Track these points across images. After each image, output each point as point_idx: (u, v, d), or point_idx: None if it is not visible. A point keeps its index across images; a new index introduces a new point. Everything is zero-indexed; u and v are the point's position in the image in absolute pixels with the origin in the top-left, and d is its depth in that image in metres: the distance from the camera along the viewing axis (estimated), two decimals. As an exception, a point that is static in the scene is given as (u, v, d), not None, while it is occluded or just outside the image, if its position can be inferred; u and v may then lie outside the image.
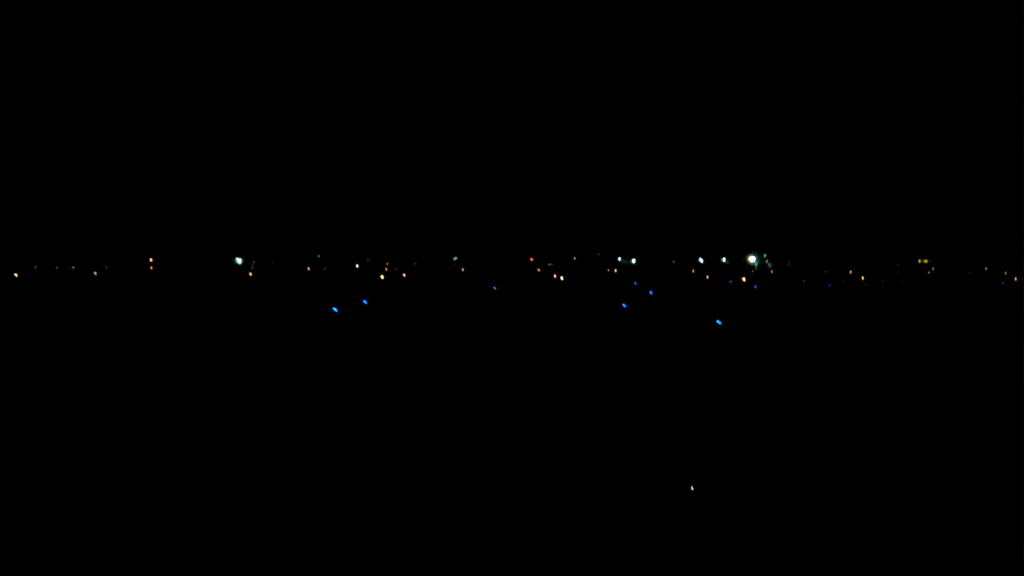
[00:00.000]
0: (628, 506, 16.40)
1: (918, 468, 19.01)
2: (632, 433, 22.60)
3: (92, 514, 15.90)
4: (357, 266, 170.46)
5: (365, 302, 57.54)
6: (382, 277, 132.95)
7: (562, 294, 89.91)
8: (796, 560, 13.82)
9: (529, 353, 39.48)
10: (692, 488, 17.42)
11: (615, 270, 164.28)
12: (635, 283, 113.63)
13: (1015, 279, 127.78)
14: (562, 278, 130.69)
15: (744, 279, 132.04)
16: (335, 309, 60.29)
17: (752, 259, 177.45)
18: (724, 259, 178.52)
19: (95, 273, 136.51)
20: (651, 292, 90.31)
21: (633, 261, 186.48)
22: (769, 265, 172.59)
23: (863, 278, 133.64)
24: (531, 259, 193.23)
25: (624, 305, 71.80)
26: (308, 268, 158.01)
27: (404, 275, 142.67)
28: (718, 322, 34.45)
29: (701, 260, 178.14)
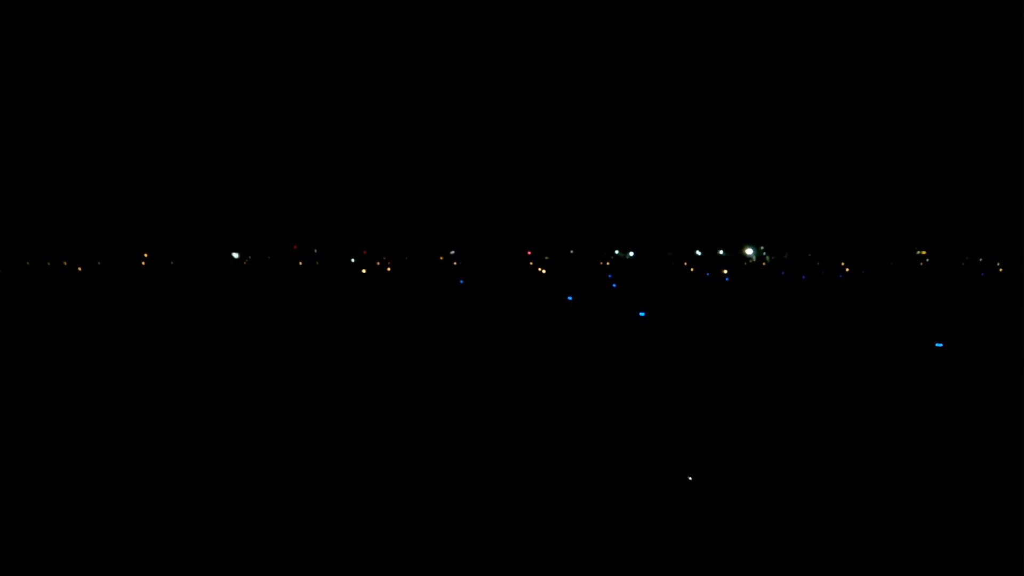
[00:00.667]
0: (623, 498, 16.20)
1: (916, 462, 18.81)
2: (627, 425, 22.38)
3: (89, 510, 15.74)
4: (352, 260, 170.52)
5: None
6: (364, 271, 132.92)
7: (554, 287, 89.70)
8: (792, 554, 13.59)
9: (518, 347, 39.26)
10: (689, 479, 17.25)
11: (607, 263, 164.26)
12: (609, 276, 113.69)
13: (1011, 271, 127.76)
14: (543, 270, 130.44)
15: (723, 271, 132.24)
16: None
17: (749, 251, 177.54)
18: (721, 251, 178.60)
19: (79, 269, 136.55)
20: (614, 285, 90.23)
21: (631, 254, 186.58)
22: (766, 258, 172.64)
23: (863, 271, 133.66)
24: (528, 252, 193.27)
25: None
26: (300, 262, 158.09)
27: (388, 268, 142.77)
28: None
29: (698, 252, 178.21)
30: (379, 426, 22.46)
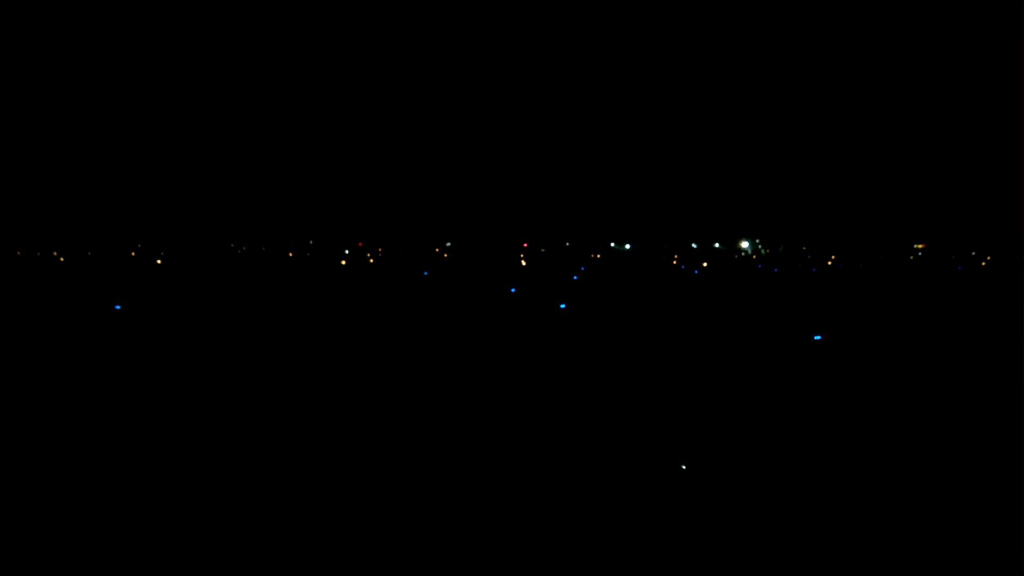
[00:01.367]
0: (621, 488, 15.84)
1: (914, 457, 18.44)
2: (621, 417, 22.03)
3: (84, 503, 15.40)
4: (347, 251, 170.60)
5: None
6: (344, 262, 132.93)
7: (552, 280, 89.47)
8: (785, 549, 13.19)
9: (515, 339, 38.98)
10: (684, 467, 16.92)
11: (598, 255, 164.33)
12: (582, 268, 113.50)
13: (1007, 264, 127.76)
14: (524, 262, 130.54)
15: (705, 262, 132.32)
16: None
17: (745, 244, 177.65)
18: (717, 244, 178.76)
19: (61, 259, 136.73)
20: (575, 277, 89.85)
21: (627, 247, 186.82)
22: (763, 250, 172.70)
23: (857, 264, 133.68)
24: (524, 244, 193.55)
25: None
26: (290, 254, 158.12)
27: (371, 259, 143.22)
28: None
29: (694, 245, 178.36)
30: (369, 417, 22.10)
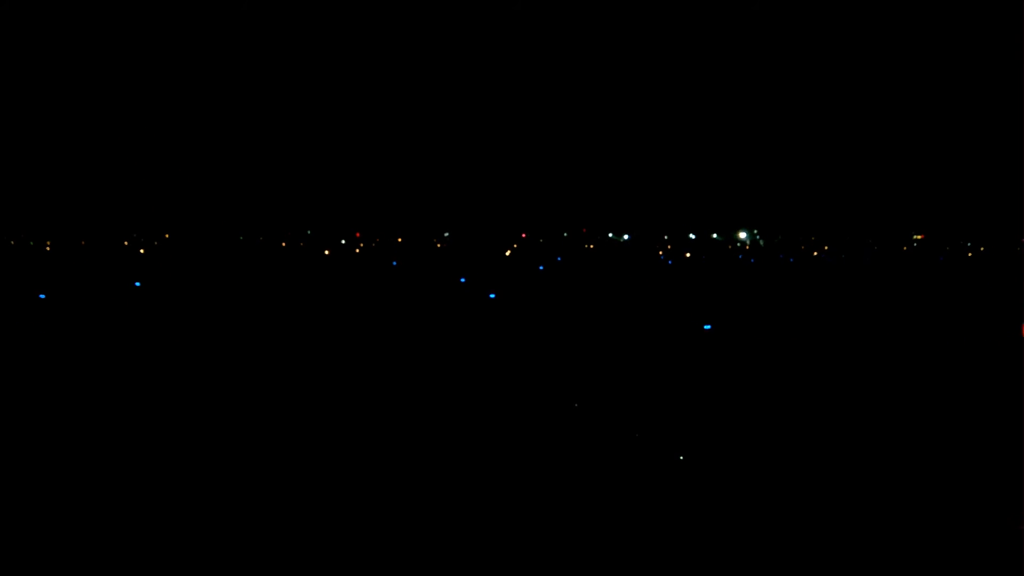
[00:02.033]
0: (619, 479, 15.70)
1: (912, 452, 18.31)
2: (617, 405, 21.88)
3: (80, 496, 15.33)
4: (343, 242, 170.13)
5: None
6: (326, 251, 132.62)
7: (550, 270, 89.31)
8: (780, 544, 13.05)
9: (511, 330, 38.88)
10: (680, 458, 16.77)
11: (591, 246, 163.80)
12: (559, 258, 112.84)
13: (1008, 256, 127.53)
14: (508, 253, 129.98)
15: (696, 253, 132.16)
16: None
17: (743, 235, 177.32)
18: (715, 235, 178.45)
19: (47, 247, 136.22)
20: (540, 268, 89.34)
21: (626, 237, 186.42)
22: (760, 241, 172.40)
23: (859, 256, 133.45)
24: (523, 235, 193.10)
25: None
26: (283, 244, 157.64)
27: (359, 249, 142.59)
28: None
29: (692, 236, 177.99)
30: (362, 406, 21.95)
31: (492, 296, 53.18)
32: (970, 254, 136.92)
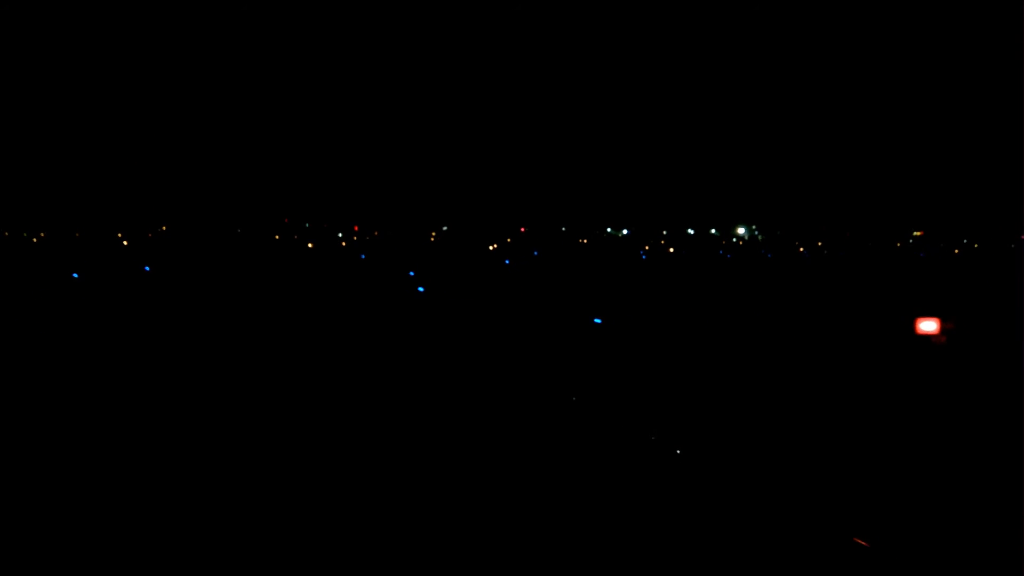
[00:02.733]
0: (616, 472, 15.41)
1: (911, 448, 18.06)
2: (617, 403, 21.63)
3: (73, 486, 15.09)
4: (340, 235, 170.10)
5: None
6: (311, 245, 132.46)
7: (550, 264, 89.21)
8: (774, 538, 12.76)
9: (508, 323, 38.67)
10: (678, 452, 16.49)
11: (586, 240, 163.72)
12: (536, 253, 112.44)
13: (1007, 251, 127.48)
14: (494, 247, 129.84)
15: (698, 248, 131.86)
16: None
17: (741, 230, 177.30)
18: (713, 230, 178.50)
19: (35, 239, 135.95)
20: (510, 263, 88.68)
21: (625, 232, 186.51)
22: (759, 236, 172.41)
23: (860, 251, 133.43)
24: (522, 229, 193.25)
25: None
26: (276, 236, 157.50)
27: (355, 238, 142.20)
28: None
29: (691, 231, 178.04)
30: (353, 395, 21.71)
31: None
32: (956, 250, 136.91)
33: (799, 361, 26.78)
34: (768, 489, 14.44)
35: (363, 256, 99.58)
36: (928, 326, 27.84)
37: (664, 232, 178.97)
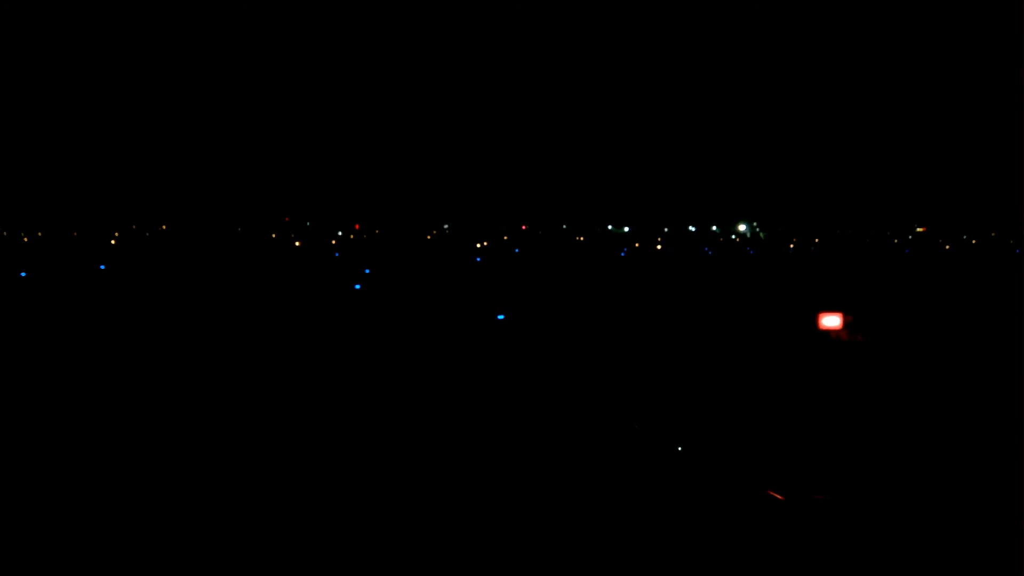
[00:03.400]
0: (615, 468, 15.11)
1: (911, 445, 17.78)
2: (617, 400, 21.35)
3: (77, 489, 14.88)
4: (340, 233, 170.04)
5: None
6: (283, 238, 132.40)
7: (550, 261, 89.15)
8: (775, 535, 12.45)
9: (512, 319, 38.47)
10: (679, 449, 16.21)
11: (582, 238, 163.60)
12: (518, 249, 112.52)
13: (1010, 246, 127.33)
14: (485, 243, 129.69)
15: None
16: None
17: (742, 227, 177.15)
18: (714, 227, 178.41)
19: (30, 236, 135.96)
20: (477, 259, 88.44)
21: (626, 229, 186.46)
22: (760, 233, 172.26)
23: (861, 247, 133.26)
24: (523, 227, 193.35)
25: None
26: (273, 235, 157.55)
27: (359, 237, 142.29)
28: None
29: (692, 228, 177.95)
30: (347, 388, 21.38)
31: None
32: (953, 245, 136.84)
33: (798, 361, 26.60)
34: (752, 484, 14.20)
35: (367, 270, 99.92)
36: (831, 321, 27.76)
37: (665, 229, 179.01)
